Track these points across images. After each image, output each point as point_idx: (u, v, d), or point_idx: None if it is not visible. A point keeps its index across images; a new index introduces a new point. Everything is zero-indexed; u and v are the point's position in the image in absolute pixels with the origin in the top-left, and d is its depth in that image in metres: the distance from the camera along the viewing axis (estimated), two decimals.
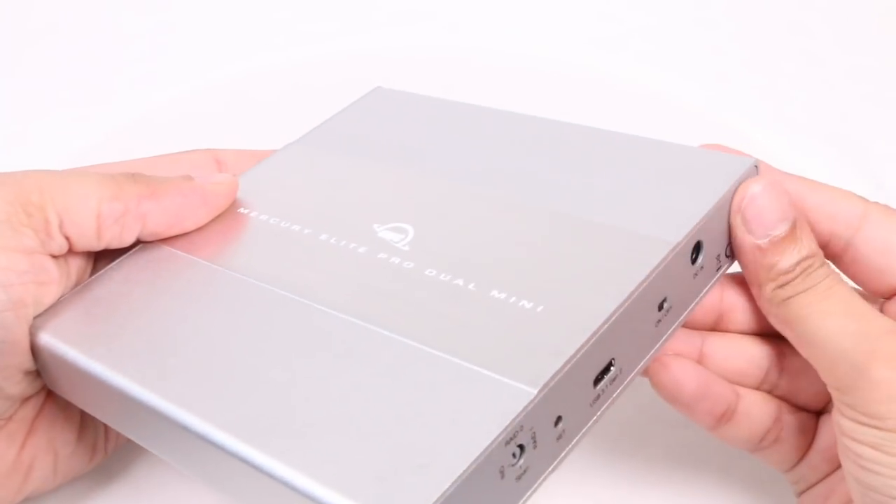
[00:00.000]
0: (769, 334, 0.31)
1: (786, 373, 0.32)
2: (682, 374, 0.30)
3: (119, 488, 0.35)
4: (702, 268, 0.29)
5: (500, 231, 0.31)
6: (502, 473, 0.24)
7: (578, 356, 0.25)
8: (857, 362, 0.27)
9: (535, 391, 0.24)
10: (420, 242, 0.31)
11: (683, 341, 0.31)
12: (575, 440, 0.26)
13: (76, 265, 0.31)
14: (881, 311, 0.30)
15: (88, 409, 0.30)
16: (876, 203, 0.30)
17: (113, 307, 0.30)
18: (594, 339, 0.26)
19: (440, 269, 0.29)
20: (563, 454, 0.26)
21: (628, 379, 0.28)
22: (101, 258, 0.32)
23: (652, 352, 0.29)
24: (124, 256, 0.32)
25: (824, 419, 0.32)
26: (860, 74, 0.55)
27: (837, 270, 0.30)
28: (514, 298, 0.27)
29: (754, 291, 0.30)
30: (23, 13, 0.60)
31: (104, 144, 0.51)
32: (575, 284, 0.27)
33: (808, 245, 0.29)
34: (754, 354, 0.32)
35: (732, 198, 0.30)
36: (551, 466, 0.26)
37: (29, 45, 0.58)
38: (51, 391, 0.31)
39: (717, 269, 0.30)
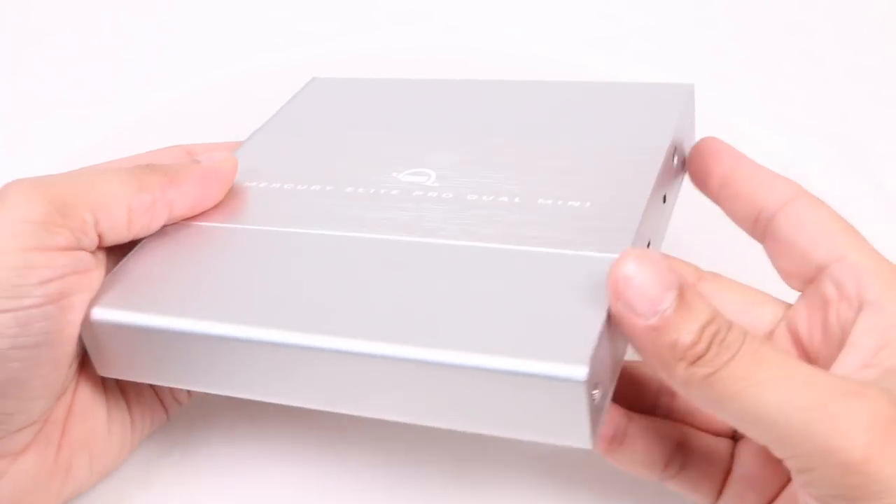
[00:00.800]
0: None
1: (680, 398, 0.31)
2: None
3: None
4: (678, 168, 0.35)
5: (512, 159, 0.34)
6: (611, 332, 0.27)
7: (636, 232, 0.29)
8: (823, 442, 0.23)
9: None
10: (446, 179, 0.33)
11: None
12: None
13: (103, 257, 0.31)
14: (793, 307, 0.31)
15: (159, 378, 0.30)
16: (810, 193, 0.31)
17: (165, 274, 0.31)
18: (641, 220, 0.30)
19: (480, 193, 0.32)
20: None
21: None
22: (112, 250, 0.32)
23: (663, 236, 0.34)
24: (149, 237, 0.32)
25: (741, 446, 0.31)
26: (860, 74, 0.55)
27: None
28: (560, 202, 0.31)
29: (664, 377, 0.26)
30: (23, 13, 0.60)
31: (104, 144, 0.51)
32: (605, 185, 0.32)
33: (704, 309, 0.25)
34: (641, 376, 0.31)
35: (609, 277, 0.27)
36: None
37: (29, 45, 0.58)
38: (77, 388, 0.32)
39: (682, 171, 0.36)
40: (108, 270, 0.31)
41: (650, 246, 0.31)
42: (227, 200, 0.33)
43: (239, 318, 0.28)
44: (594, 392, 0.25)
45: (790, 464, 0.24)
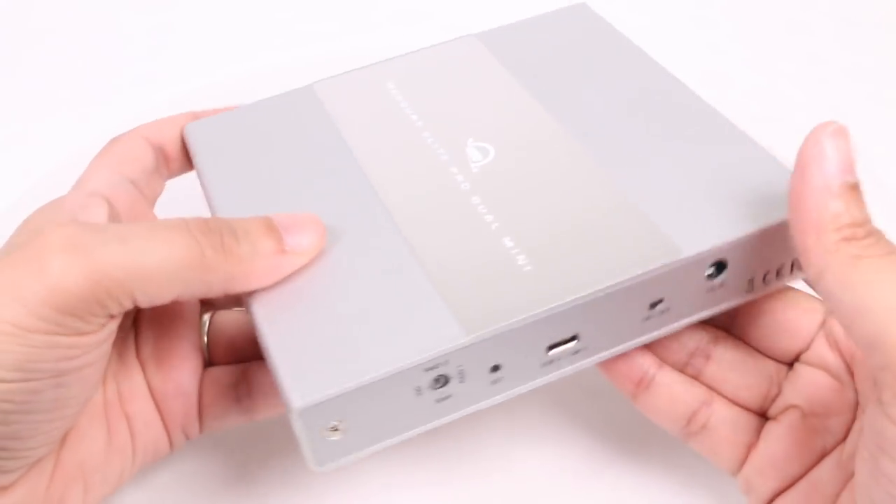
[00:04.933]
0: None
1: (713, 362, 0.32)
2: None
3: None
4: (721, 285, 0.29)
5: (551, 178, 0.32)
6: (419, 392, 0.27)
7: (532, 322, 0.27)
8: None
9: (466, 338, 0.26)
10: (492, 168, 0.32)
11: None
12: (515, 390, 0.29)
13: None
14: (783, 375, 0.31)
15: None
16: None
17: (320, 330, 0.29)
18: (560, 310, 0.27)
19: (486, 201, 0.31)
20: (497, 397, 0.28)
21: (593, 358, 0.29)
22: None
23: (628, 344, 0.30)
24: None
25: (770, 426, 0.31)
26: (860, 74, 0.55)
27: None
28: (516, 251, 0.29)
29: (807, 240, 0.26)
30: (23, 13, 0.60)
31: (104, 144, 0.51)
32: (574, 255, 0.28)
33: (869, 218, 0.26)
34: (680, 333, 0.31)
35: (814, 133, 0.27)
36: (480, 403, 0.28)
37: (29, 45, 0.58)
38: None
39: (749, 292, 0.30)
40: None
41: (579, 339, 0.29)
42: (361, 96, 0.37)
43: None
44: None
45: (883, 375, 0.24)
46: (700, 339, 0.32)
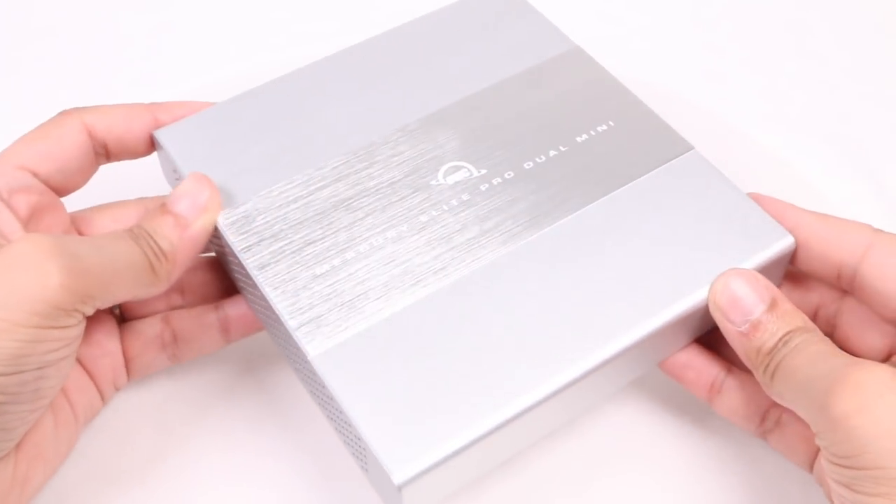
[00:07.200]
0: None
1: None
2: None
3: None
4: None
5: (500, 113, 0.35)
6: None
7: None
8: (822, 403, 0.26)
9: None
10: (482, 160, 0.33)
11: None
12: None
13: None
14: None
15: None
16: (883, 232, 0.31)
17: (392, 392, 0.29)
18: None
19: (531, 157, 0.33)
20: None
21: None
22: None
23: None
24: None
25: None
26: (860, 74, 0.55)
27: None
28: (592, 132, 0.34)
29: (757, 376, 0.31)
30: (23, 13, 0.60)
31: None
32: (593, 101, 0.35)
33: (790, 321, 0.29)
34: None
35: (711, 288, 0.31)
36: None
37: (29, 45, 0.58)
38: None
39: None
40: None
41: None
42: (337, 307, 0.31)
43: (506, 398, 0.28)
44: None
45: (814, 432, 0.28)
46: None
